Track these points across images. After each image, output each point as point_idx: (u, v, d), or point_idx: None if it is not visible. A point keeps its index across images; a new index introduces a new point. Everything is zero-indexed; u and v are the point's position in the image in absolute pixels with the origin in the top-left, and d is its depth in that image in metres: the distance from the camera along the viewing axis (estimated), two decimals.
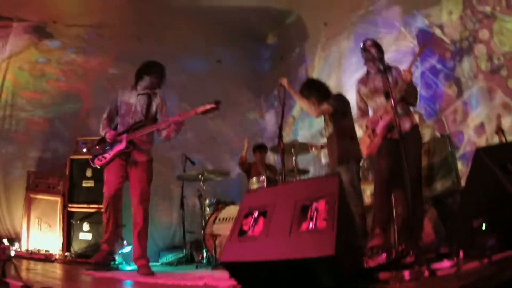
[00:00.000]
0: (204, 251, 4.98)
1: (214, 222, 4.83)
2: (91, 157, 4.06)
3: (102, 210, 4.00)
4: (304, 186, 2.46)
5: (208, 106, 3.84)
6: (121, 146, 3.91)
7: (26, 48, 6.20)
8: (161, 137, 4.14)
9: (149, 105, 4.12)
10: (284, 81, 4.12)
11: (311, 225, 2.10)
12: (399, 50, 5.41)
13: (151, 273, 3.75)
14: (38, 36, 6.32)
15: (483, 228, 2.31)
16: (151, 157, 4.14)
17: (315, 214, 2.14)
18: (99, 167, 4.03)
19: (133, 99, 4.12)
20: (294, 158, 4.84)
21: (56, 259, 4.80)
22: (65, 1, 6.43)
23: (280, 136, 3.68)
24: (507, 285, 1.52)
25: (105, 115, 4.15)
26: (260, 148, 6.26)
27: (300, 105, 4.49)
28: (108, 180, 3.96)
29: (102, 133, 4.06)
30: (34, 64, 6.21)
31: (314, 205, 2.20)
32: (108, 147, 3.96)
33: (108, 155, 3.93)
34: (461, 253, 2.29)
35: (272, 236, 2.16)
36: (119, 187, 3.95)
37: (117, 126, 4.16)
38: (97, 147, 4.05)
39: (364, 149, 3.87)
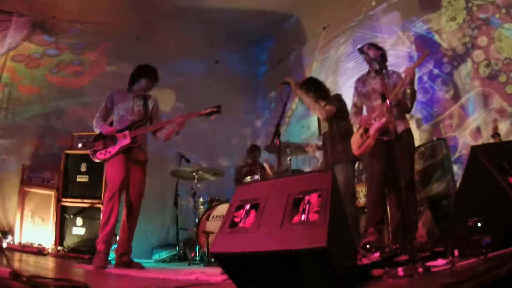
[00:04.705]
0: (197, 248, 4.97)
1: (207, 219, 4.82)
2: (89, 151, 4.04)
3: (104, 201, 3.89)
4: (297, 180, 2.43)
5: (210, 109, 4.08)
6: (126, 141, 3.96)
7: (25, 42, 6.20)
8: (158, 138, 4.26)
9: (145, 106, 4.21)
10: (291, 81, 4.13)
11: (303, 217, 2.08)
12: (397, 54, 5.42)
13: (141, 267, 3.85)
14: (37, 30, 6.32)
15: (479, 226, 2.30)
16: (147, 157, 4.21)
17: (307, 206, 2.12)
18: (101, 161, 4.05)
19: (130, 100, 4.19)
20: (288, 158, 4.83)
21: (48, 253, 4.79)
22: None
23: (278, 133, 3.67)
24: (505, 280, 1.50)
25: (99, 113, 4.17)
26: (256, 148, 6.32)
27: (308, 106, 4.43)
28: (113, 171, 3.92)
29: (97, 130, 4.07)
30: (32, 59, 6.21)
31: (307, 198, 2.18)
32: (110, 143, 3.97)
33: (112, 149, 3.94)
34: (456, 252, 2.28)
35: (263, 227, 2.14)
36: (125, 178, 3.93)
37: (111, 124, 4.18)
38: (96, 142, 4.03)
39: (355, 148, 3.87)
